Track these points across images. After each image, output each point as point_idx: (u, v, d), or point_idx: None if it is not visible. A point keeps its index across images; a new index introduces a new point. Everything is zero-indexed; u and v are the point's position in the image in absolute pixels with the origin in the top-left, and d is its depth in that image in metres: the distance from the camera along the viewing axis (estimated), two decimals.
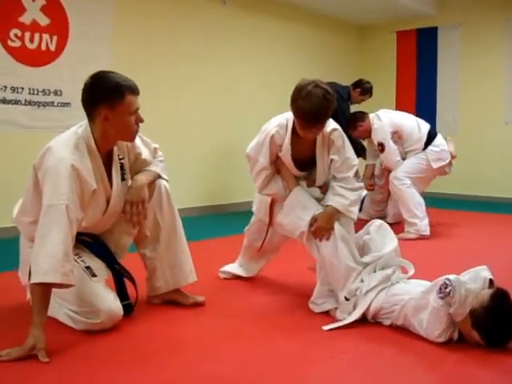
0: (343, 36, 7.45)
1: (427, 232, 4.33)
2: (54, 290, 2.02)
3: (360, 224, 2.72)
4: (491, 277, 2.20)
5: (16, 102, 4.17)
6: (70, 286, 2.03)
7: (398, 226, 4.53)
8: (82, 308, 2.18)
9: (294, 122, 2.53)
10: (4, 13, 4.05)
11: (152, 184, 2.43)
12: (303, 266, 3.06)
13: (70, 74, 4.36)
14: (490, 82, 6.75)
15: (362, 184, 2.70)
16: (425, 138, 4.47)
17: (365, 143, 5.04)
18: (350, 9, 6.75)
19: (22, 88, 4.19)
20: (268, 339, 2.17)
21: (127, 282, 2.40)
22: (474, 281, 2.17)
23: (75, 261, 2.22)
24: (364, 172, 4.96)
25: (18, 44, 4.14)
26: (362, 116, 4.71)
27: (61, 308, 2.24)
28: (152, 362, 1.93)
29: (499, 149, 6.68)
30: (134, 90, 2.17)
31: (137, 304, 2.40)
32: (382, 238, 2.57)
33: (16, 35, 4.12)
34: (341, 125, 2.66)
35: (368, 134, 4.68)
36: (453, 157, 4.53)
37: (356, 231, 2.64)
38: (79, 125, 2.23)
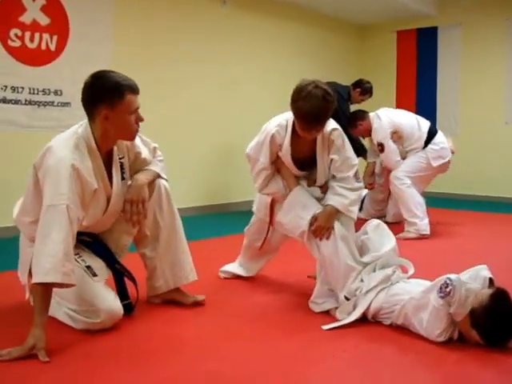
0: (343, 36, 7.45)
1: (427, 232, 4.33)
2: (54, 289, 2.02)
3: (360, 223, 2.71)
4: (491, 276, 2.20)
5: (16, 102, 4.17)
6: (71, 285, 2.03)
7: (397, 225, 4.54)
8: (82, 307, 2.18)
9: (294, 122, 2.53)
10: (4, 12, 4.05)
11: (152, 183, 2.43)
12: (303, 265, 3.06)
13: (70, 74, 4.37)
14: (490, 81, 6.75)
15: (361, 184, 2.70)
16: (425, 137, 4.46)
17: (366, 142, 5.04)
18: (350, 8, 6.75)
19: (22, 88, 4.19)
20: (268, 338, 2.17)
21: (128, 282, 2.40)
22: (474, 280, 2.17)
23: (76, 260, 2.22)
24: (365, 170, 4.97)
25: (18, 44, 4.14)
26: (362, 115, 4.71)
27: (61, 307, 2.24)
28: (152, 361, 1.94)
29: (499, 149, 6.68)
30: (134, 90, 2.18)
31: (137, 303, 2.40)
32: (380, 237, 2.57)
33: (16, 35, 4.12)
34: (341, 125, 2.66)
35: (368, 132, 4.69)
36: (452, 152, 4.54)
37: (356, 230, 2.64)
38: (79, 124, 2.23)
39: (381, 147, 4.55)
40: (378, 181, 4.98)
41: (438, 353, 2.04)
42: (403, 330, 2.24)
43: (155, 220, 2.45)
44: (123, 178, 2.33)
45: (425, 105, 6.99)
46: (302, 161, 2.62)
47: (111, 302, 2.19)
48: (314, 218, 2.49)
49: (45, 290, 1.98)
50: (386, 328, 2.29)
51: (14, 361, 1.87)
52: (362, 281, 2.40)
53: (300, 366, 1.93)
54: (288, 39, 6.48)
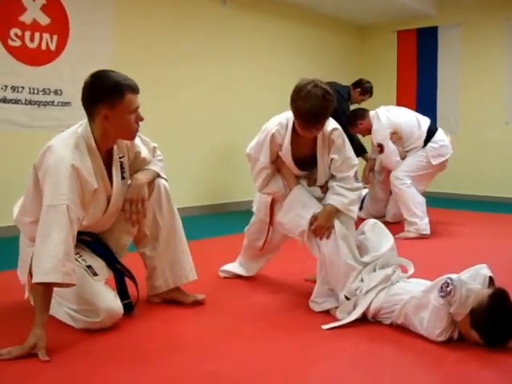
0: (343, 36, 7.45)
1: (427, 231, 4.33)
2: (54, 288, 2.02)
3: (359, 223, 2.72)
4: (491, 274, 2.20)
5: (16, 102, 4.17)
6: (72, 285, 2.03)
7: (398, 225, 4.54)
8: (82, 306, 2.18)
9: (294, 121, 2.53)
10: (4, 12, 4.05)
11: (151, 183, 2.43)
12: (303, 265, 3.06)
13: (70, 74, 4.37)
14: (490, 81, 6.75)
15: (361, 184, 2.71)
16: (424, 136, 4.46)
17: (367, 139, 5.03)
18: (351, 8, 6.75)
19: (23, 87, 4.20)
20: (268, 338, 2.17)
21: (128, 281, 2.40)
22: (474, 279, 2.17)
23: (76, 260, 2.22)
24: (365, 166, 4.98)
25: (18, 43, 4.14)
26: (362, 114, 4.71)
27: (61, 307, 2.24)
28: (152, 360, 1.94)
29: (499, 149, 6.68)
30: (134, 89, 2.18)
31: (137, 303, 2.40)
32: (377, 237, 2.57)
33: (16, 34, 4.12)
34: (341, 124, 2.66)
35: (368, 131, 4.69)
36: None
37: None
38: (79, 124, 2.23)
39: (380, 148, 4.55)
40: (377, 178, 4.99)
41: (438, 352, 2.04)
42: (403, 329, 2.24)
43: (155, 219, 2.45)
44: (123, 178, 2.33)
45: (425, 105, 6.99)
46: (303, 160, 2.62)
47: (111, 301, 2.20)
48: (314, 218, 2.49)
49: (45, 290, 1.98)
50: (386, 327, 2.29)
51: (14, 360, 1.87)
52: (362, 280, 2.40)
53: (300, 366, 1.93)
54: (288, 39, 6.48)
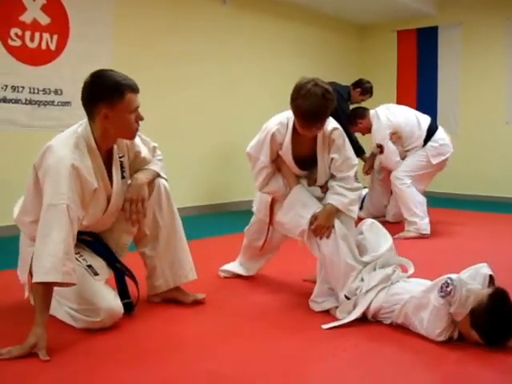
0: (343, 35, 7.45)
1: (427, 231, 4.33)
2: (54, 288, 2.02)
3: (359, 223, 2.71)
4: (491, 273, 2.20)
5: (16, 101, 4.17)
6: (72, 284, 2.03)
7: (398, 225, 4.54)
8: (83, 306, 2.18)
9: (294, 121, 2.53)
10: (4, 12, 4.06)
11: (151, 183, 2.43)
12: (303, 265, 3.06)
13: (70, 73, 4.37)
14: (491, 81, 6.75)
15: (360, 185, 2.72)
16: (424, 135, 4.46)
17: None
18: (351, 8, 6.75)
19: (23, 87, 4.20)
20: (268, 338, 2.17)
21: (128, 281, 2.40)
22: (474, 278, 2.17)
23: (77, 259, 2.22)
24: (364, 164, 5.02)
25: (18, 43, 4.14)
26: (362, 113, 4.71)
27: (61, 306, 2.24)
28: (152, 360, 1.94)
29: (499, 148, 6.67)
30: (134, 89, 2.18)
31: (138, 302, 2.40)
32: (375, 236, 2.58)
33: (16, 34, 4.12)
34: (341, 124, 2.66)
35: (368, 130, 4.69)
36: None
37: None
38: (79, 124, 2.23)
39: (380, 148, 4.55)
40: (377, 177, 4.99)
41: (438, 352, 2.04)
42: (403, 329, 2.24)
43: (155, 219, 2.46)
44: (123, 177, 2.34)
45: (425, 104, 6.98)
46: (303, 160, 2.62)
47: (111, 300, 2.20)
48: (314, 217, 2.49)
49: (45, 290, 1.98)
50: (386, 327, 2.29)
51: (15, 360, 1.87)
52: (362, 280, 2.40)
53: (300, 365, 1.93)
54: (288, 39, 6.48)
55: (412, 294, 2.23)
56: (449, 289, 2.05)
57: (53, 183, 2.04)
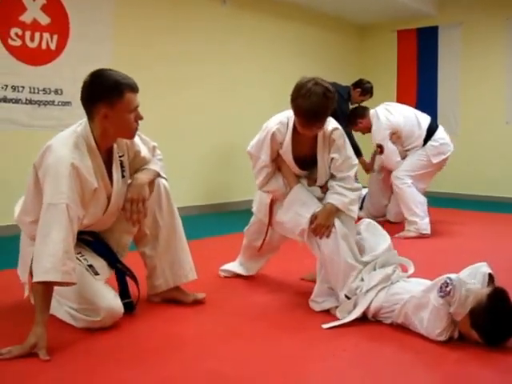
0: (343, 35, 7.45)
1: (428, 231, 4.33)
2: (55, 287, 2.02)
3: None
4: (490, 271, 2.20)
5: (17, 101, 4.17)
6: (72, 284, 2.03)
7: (398, 225, 4.54)
8: (83, 305, 2.19)
9: (294, 120, 2.54)
10: (4, 12, 4.06)
11: (152, 183, 2.43)
12: (303, 264, 3.06)
13: (70, 73, 4.37)
14: (491, 81, 6.75)
15: (360, 185, 2.72)
16: (424, 134, 4.46)
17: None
18: (351, 8, 6.75)
19: (23, 87, 4.20)
20: (268, 338, 2.17)
21: (129, 281, 2.40)
22: (474, 277, 2.17)
23: (78, 259, 2.23)
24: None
25: (18, 43, 4.14)
26: (362, 112, 4.72)
27: (61, 306, 2.24)
28: (152, 360, 1.94)
29: (500, 148, 6.67)
30: (133, 88, 2.17)
31: (138, 302, 2.40)
32: (374, 236, 2.58)
33: (16, 34, 4.12)
34: (340, 125, 2.66)
35: (368, 130, 4.69)
36: None
37: None
38: (79, 123, 2.23)
39: (380, 149, 4.55)
40: (377, 177, 5.00)
41: (438, 352, 2.04)
42: (403, 329, 2.24)
43: (154, 219, 2.45)
44: (123, 176, 2.33)
45: (425, 104, 6.97)
46: (303, 160, 2.62)
47: (111, 300, 2.20)
48: (314, 216, 2.49)
49: (45, 289, 1.98)
50: (386, 327, 2.29)
51: (15, 359, 1.87)
52: (362, 280, 2.40)
53: (300, 365, 1.93)
54: (288, 39, 6.48)
55: (412, 293, 2.23)
56: (448, 289, 2.05)
57: (52, 182, 2.04)
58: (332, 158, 2.57)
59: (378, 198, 5.01)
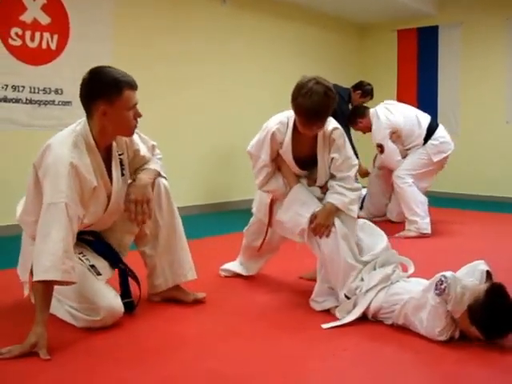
0: (343, 35, 7.45)
1: (428, 230, 4.33)
2: (55, 287, 2.02)
3: None
4: (488, 269, 2.19)
5: (17, 101, 4.17)
6: (72, 283, 2.03)
7: (400, 225, 4.54)
8: (83, 305, 2.19)
9: (294, 120, 2.54)
10: (5, 12, 4.06)
11: (153, 182, 2.43)
12: (303, 264, 3.06)
13: (70, 73, 4.37)
14: (491, 81, 6.74)
15: (360, 185, 2.72)
16: (424, 133, 4.46)
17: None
18: (351, 8, 6.75)
19: (23, 87, 4.20)
20: (268, 337, 2.17)
21: (130, 280, 2.40)
22: (472, 275, 2.17)
23: (80, 259, 2.23)
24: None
25: (18, 43, 4.14)
26: (362, 112, 4.72)
27: (62, 305, 2.24)
28: (152, 359, 1.94)
29: (500, 148, 6.67)
30: (132, 85, 2.17)
31: (139, 302, 2.40)
32: (370, 236, 2.58)
33: (17, 34, 4.12)
34: (340, 126, 2.66)
35: (368, 129, 4.70)
36: None
37: None
38: (77, 122, 2.23)
39: (380, 148, 4.55)
40: (377, 173, 5.00)
41: (438, 352, 2.04)
42: (403, 328, 2.24)
43: (154, 218, 2.45)
44: (123, 175, 2.33)
45: (425, 104, 6.96)
46: (303, 159, 2.62)
47: (111, 299, 2.20)
48: (314, 216, 2.49)
49: (45, 288, 1.98)
50: (386, 327, 2.28)
51: (15, 359, 1.87)
52: (362, 280, 2.40)
53: (300, 365, 1.93)
54: (288, 39, 6.48)
55: (411, 294, 2.23)
56: (443, 286, 2.06)
57: (52, 182, 2.04)
58: (332, 158, 2.57)
59: (378, 197, 5.02)
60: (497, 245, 4.03)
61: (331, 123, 2.56)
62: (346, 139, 2.61)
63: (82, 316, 2.18)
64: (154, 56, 5.06)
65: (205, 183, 5.66)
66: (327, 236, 2.46)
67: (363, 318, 2.34)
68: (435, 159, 4.43)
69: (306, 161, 2.63)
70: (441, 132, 4.51)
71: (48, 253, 1.96)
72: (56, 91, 4.38)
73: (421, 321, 2.15)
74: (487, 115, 6.76)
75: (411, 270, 2.48)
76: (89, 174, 2.13)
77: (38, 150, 2.16)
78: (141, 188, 2.33)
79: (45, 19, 4.27)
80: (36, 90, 4.27)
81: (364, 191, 4.97)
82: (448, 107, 6.99)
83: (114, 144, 2.29)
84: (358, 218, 2.68)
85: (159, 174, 2.47)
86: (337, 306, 2.42)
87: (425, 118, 4.55)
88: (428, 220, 4.36)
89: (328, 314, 2.43)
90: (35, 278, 1.97)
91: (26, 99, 4.22)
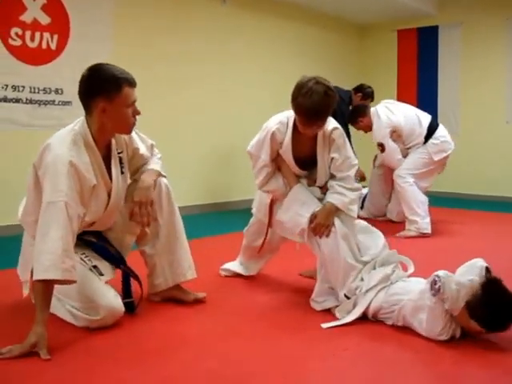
0: (343, 35, 7.45)
1: (428, 230, 4.33)
2: (56, 286, 2.02)
3: None
4: (487, 265, 2.19)
5: (17, 101, 4.17)
6: (72, 282, 2.03)
7: (400, 224, 4.54)
8: (83, 304, 2.19)
9: (294, 120, 2.54)
10: (5, 12, 4.06)
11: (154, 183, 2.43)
12: (303, 264, 3.06)
13: (70, 73, 4.36)
14: (491, 81, 6.74)
15: (360, 185, 2.72)
16: (425, 133, 4.47)
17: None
18: (351, 8, 6.75)
19: (23, 87, 4.20)
20: (269, 337, 2.17)
21: (132, 280, 2.41)
22: (471, 273, 2.16)
23: (82, 260, 2.23)
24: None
25: (18, 43, 4.14)
26: (363, 111, 4.72)
27: (62, 305, 2.24)
28: (152, 359, 1.94)
29: (500, 148, 6.67)
30: (131, 83, 2.18)
31: (140, 302, 2.40)
32: (366, 235, 2.57)
33: (17, 34, 4.12)
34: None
35: (369, 128, 4.69)
36: None
37: None
38: (76, 121, 2.23)
39: (381, 147, 4.56)
40: (377, 172, 5.00)
41: (437, 351, 2.04)
42: (404, 328, 2.24)
43: (155, 218, 2.45)
44: (122, 173, 2.34)
45: (425, 104, 6.96)
46: (303, 160, 2.62)
47: (111, 299, 2.20)
48: (314, 216, 2.49)
49: (45, 288, 1.98)
50: (387, 327, 2.28)
51: (15, 359, 1.87)
52: (362, 279, 2.40)
53: (300, 365, 1.93)
54: (288, 39, 6.48)
55: (410, 295, 2.23)
56: (437, 286, 2.06)
57: (51, 181, 2.05)
58: (332, 158, 2.57)
59: (378, 197, 5.02)
60: (497, 244, 4.03)
61: (331, 123, 2.56)
62: (346, 139, 2.61)
63: (83, 315, 2.18)
64: (154, 56, 5.06)
65: (205, 183, 5.66)
66: (327, 236, 2.46)
67: (363, 318, 2.34)
68: (436, 158, 4.43)
69: (306, 161, 2.63)
70: (441, 131, 4.51)
71: (47, 252, 1.96)
72: (56, 91, 4.38)
73: (420, 322, 2.15)
74: (487, 115, 6.76)
75: (411, 269, 2.48)
76: (88, 173, 2.13)
77: (38, 150, 2.16)
78: (144, 190, 2.34)
79: (45, 19, 4.27)
80: (36, 90, 4.27)
81: (365, 191, 4.97)
82: (448, 107, 7.00)
83: (114, 142, 2.29)
84: (359, 217, 2.68)
85: (160, 174, 2.47)
86: (337, 306, 2.42)
87: (425, 118, 4.56)
88: (428, 220, 4.36)
89: (328, 313, 2.43)
90: (35, 278, 1.97)
91: (26, 99, 4.22)
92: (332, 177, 2.62)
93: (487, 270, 2.17)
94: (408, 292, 2.26)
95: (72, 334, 2.14)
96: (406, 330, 2.22)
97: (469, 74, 6.87)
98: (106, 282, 2.27)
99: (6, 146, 4.15)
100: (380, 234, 2.60)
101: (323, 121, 2.46)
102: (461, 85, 6.94)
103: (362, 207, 4.97)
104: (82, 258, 2.25)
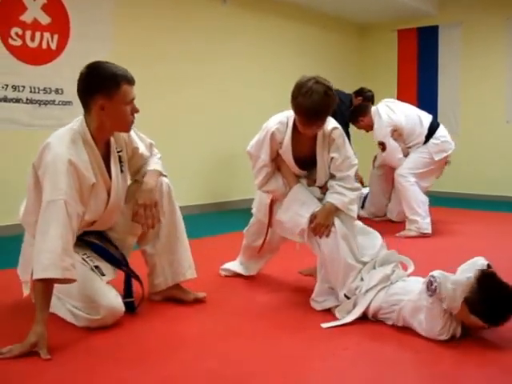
0: (344, 35, 7.45)
1: (428, 230, 4.32)
2: (56, 285, 2.02)
3: (362, 222, 2.71)
4: (488, 263, 2.19)
5: (17, 101, 4.17)
6: (72, 281, 2.03)
7: (400, 224, 4.54)
8: (84, 303, 2.19)
9: (294, 120, 2.54)
10: (5, 11, 4.06)
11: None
12: (303, 263, 3.06)
13: (70, 73, 4.34)
14: (491, 80, 6.74)
15: (359, 185, 2.71)
16: (426, 132, 4.47)
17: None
18: (351, 8, 6.75)
19: (24, 86, 4.20)
20: (269, 337, 2.17)
21: (133, 280, 2.41)
22: (472, 271, 2.16)
23: (84, 260, 2.23)
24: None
25: (19, 43, 4.14)
26: (364, 110, 4.72)
27: (62, 304, 2.24)
28: (152, 359, 1.94)
29: (500, 148, 6.67)
30: (130, 80, 2.18)
31: (141, 303, 2.40)
32: (363, 236, 2.57)
33: (17, 34, 4.12)
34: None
35: (370, 127, 4.70)
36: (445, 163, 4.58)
37: None
38: (75, 120, 2.23)
39: (382, 146, 4.56)
40: (376, 173, 5.00)
41: (437, 351, 2.03)
42: (404, 328, 2.24)
43: (159, 219, 2.45)
44: (122, 171, 2.34)
45: (426, 104, 6.96)
46: (303, 160, 2.62)
47: (112, 298, 2.20)
48: (314, 216, 2.49)
49: (45, 287, 1.98)
50: (387, 327, 2.28)
51: (15, 358, 1.87)
52: (361, 279, 2.40)
53: (300, 365, 1.93)
54: (288, 38, 6.48)
55: (410, 295, 2.23)
56: (433, 286, 2.06)
57: (51, 180, 2.05)
58: (332, 158, 2.57)
59: (379, 197, 5.02)
60: (497, 244, 4.03)
61: (331, 123, 2.56)
62: (346, 139, 2.61)
63: (83, 315, 2.18)
64: (154, 56, 5.06)
65: (205, 183, 5.67)
66: (327, 236, 2.46)
67: (363, 318, 2.34)
68: (436, 158, 4.44)
69: (306, 161, 2.63)
70: (442, 131, 4.52)
71: (47, 251, 1.96)
72: (56, 91, 4.38)
73: (420, 323, 2.15)
74: (487, 115, 6.76)
75: (411, 269, 2.48)
76: (87, 171, 2.13)
77: (38, 150, 2.16)
78: (147, 192, 2.34)
79: (45, 19, 4.27)
80: (36, 90, 4.27)
81: (365, 190, 4.97)
82: (448, 107, 7.00)
83: (113, 140, 2.29)
84: (359, 217, 2.68)
85: (161, 174, 2.48)
86: (337, 306, 2.42)
87: (426, 117, 4.57)
88: (429, 220, 4.36)
89: (328, 313, 2.43)
90: (35, 277, 1.97)
91: (27, 99, 4.22)
92: (332, 177, 2.62)
93: (489, 267, 2.17)
94: (408, 292, 2.26)
95: (72, 333, 2.14)
96: (406, 330, 2.22)
97: (469, 73, 6.87)
98: (108, 283, 2.27)
99: (6, 145, 4.16)
100: (377, 234, 2.60)
101: (323, 121, 2.46)
102: (461, 84, 6.94)
103: (362, 207, 4.97)
104: (83, 259, 2.25)
